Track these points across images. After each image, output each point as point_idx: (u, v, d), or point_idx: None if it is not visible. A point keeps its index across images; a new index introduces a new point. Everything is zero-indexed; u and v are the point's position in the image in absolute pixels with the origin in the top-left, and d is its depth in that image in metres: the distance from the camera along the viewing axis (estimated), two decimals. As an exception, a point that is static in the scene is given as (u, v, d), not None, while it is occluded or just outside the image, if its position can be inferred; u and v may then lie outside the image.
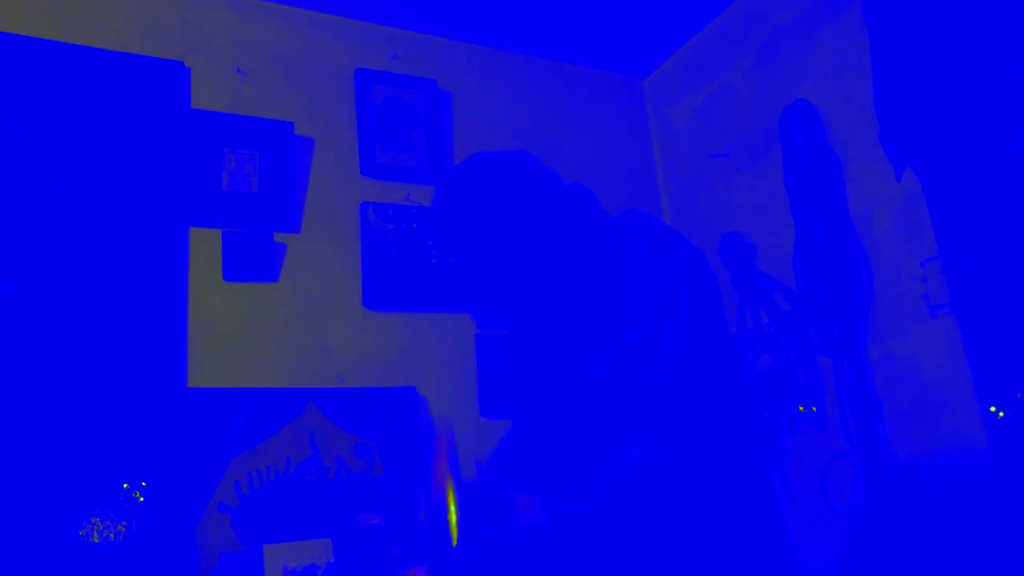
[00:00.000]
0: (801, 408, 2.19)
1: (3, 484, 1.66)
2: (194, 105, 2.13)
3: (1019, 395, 1.66)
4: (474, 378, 2.28)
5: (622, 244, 1.27)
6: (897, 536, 1.92)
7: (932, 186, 1.90)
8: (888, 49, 1.98)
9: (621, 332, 1.18)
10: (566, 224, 1.32)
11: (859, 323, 2.07)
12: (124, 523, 1.73)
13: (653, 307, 1.17)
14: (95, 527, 1.71)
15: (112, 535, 1.72)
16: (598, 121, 2.81)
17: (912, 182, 1.96)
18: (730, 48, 2.57)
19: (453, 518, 1.16)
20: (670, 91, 2.83)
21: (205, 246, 2.05)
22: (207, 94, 2.16)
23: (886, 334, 2.02)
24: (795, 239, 2.20)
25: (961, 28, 1.82)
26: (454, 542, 1.16)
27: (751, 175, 2.45)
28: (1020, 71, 1.71)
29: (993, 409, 1.70)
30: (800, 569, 1.23)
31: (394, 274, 2.25)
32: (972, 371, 1.79)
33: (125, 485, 1.75)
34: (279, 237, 2.14)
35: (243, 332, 2.03)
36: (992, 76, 1.76)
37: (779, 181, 2.29)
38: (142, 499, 1.76)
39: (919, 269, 1.94)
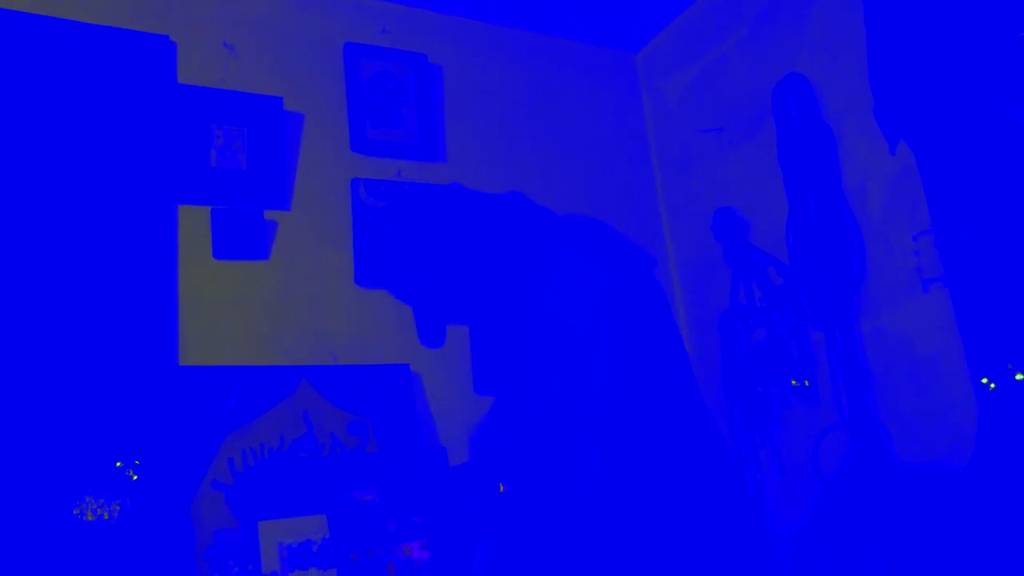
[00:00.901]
0: (794, 383, 2.20)
1: (-5, 464, 1.65)
2: (180, 80, 2.10)
3: (1010, 367, 1.67)
4: (468, 354, 2.28)
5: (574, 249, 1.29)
6: (888, 508, 1.94)
7: (926, 159, 1.90)
8: (883, 21, 1.96)
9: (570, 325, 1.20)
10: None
11: (851, 297, 2.08)
12: (118, 502, 1.73)
13: (601, 307, 1.20)
14: (89, 506, 1.71)
15: (106, 514, 1.71)
16: (590, 96, 2.78)
17: (906, 155, 1.95)
18: (724, 21, 2.54)
19: None
20: (663, 65, 2.81)
21: (194, 224, 2.03)
22: (194, 69, 2.13)
23: (878, 308, 2.02)
24: (788, 213, 2.20)
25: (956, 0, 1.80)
26: None
27: (745, 149, 2.44)
28: (1015, 43, 1.70)
29: (984, 381, 1.71)
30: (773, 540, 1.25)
31: (386, 251, 2.24)
32: (964, 344, 1.80)
33: (118, 464, 1.75)
34: (269, 214, 2.12)
35: (234, 310, 2.02)
36: (987, 48, 1.75)
37: (773, 155, 2.28)
38: (136, 477, 1.75)
39: (912, 243, 1.94)
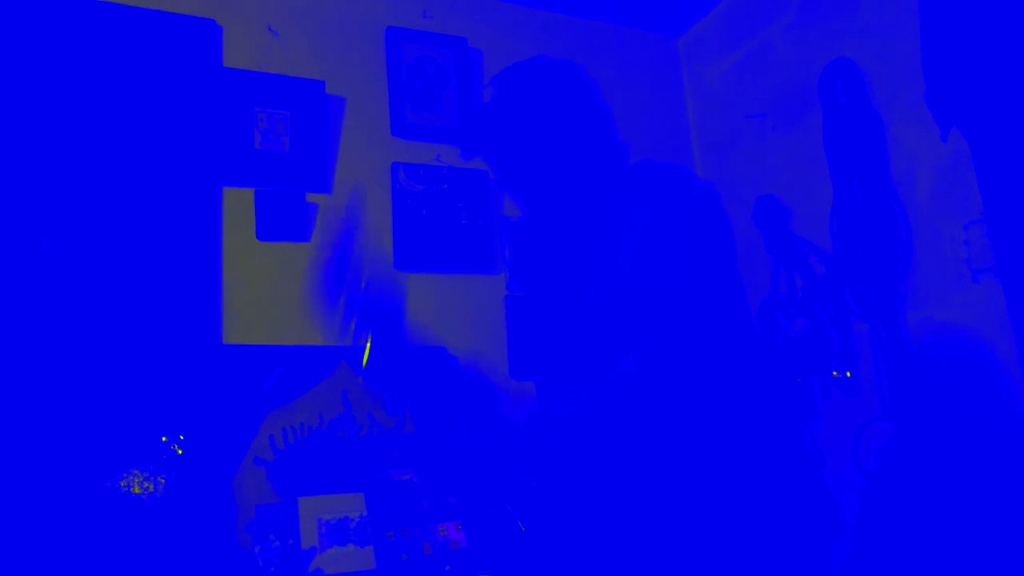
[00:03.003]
0: (835, 373, 2.16)
1: (46, 439, 1.71)
2: (226, 64, 2.13)
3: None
4: (504, 339, 2.28)
5: (637, 194, 1.26)
6: (931, 504, 1.90)
7: (979, 146, 1.84)
8: (937, 3, 1.90)
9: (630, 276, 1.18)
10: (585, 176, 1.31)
11: (897, 287, 2.03)
12: (163, 476, 1.78)
13: (660, 248, 1.17)
14: (135, 479, 1.75)
15: (152, 487, 1.76)
16: (632, 81, 2.75)
17: (958, 142, 1.90)
18: (769, 5, 2.49)
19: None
20: (706, 50, 2.76)
21: (238, 205, 2.06)
22: (239, 53, 2.16)
23: (925, 298, 1.98)
24: (833, 201, 2.16)
25: (1016, -20, 1.74)
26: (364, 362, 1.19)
27: (788, 135, 2.40)
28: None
29: (1036, 375, 1.66)
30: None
31: (424, 235, 2.25)
32: (1015, 336, 1.75)
33: (163, 438, 1.79)
34: (311, 197, 2.15)
35: (276, 291, 2.05)
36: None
37: (818, 142, 2.24)
38: (180, 452, 1.80)
39: (962, 232, 1.88)
